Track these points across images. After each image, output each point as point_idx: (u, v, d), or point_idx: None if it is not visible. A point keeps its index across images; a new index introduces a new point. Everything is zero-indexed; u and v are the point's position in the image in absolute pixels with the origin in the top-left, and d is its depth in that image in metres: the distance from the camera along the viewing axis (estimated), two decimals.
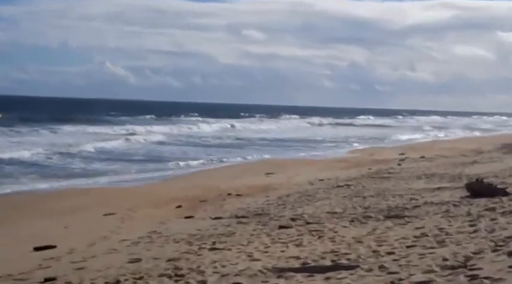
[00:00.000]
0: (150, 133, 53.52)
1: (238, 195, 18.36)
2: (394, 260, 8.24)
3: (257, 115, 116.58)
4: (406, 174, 21.06)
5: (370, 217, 12.18)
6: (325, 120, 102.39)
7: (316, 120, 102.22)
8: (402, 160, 28.87)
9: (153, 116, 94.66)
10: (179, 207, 16.63)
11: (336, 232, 10.79)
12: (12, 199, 19.63)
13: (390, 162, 27.80)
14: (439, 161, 27.01)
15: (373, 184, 18.44)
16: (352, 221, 11.87)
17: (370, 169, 24.50)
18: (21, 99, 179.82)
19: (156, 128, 60.32)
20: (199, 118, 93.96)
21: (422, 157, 30.08)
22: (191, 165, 31.17)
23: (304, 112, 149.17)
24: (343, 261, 8.45)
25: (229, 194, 18.63)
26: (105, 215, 15.86)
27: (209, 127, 68.68)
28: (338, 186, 18.56)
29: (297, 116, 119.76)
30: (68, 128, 55.72)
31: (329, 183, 19.98)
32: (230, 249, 9.94)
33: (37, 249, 11.76)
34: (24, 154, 31.86)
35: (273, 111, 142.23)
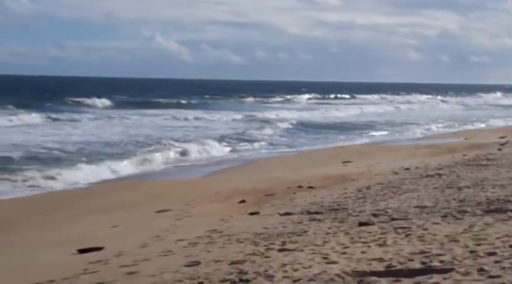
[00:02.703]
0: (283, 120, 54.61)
1: (310, 188, 18.33)
2: (496, 262, 8.12)
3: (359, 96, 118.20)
4: (508, 161, 20.73)
5: (467, 211, 12.02)
6: (452, 100, 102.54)
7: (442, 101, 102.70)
8: (503, 144, 28.44)
9: (251, 98, 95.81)
10: (243, 201, 16.69)
11: (425, 229, 10.67)
12: (54, 195, 20.02)
13: (489, 147, 27.43)
14: None
15: (469, 173, 18.18)
16: (445, 216, 11.74)
17: (465, 155, 24.20)
18: (58, 79, 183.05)
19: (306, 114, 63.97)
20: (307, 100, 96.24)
21: None
22: (260, 152, 31.57)
23: (395, 89, 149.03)
24: (435, 263, 8.35)
25: (300, 186, 18.62)
26: (159, 212, 16.01)
27: (340, 112, 70.63)
28: (427, 176, 18.37)
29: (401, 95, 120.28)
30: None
31: (417, 172, 19.81)
32: (302, 250, 9.91)
33: (82, 251, 11.91)
34: None
35: (355, 90, 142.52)
